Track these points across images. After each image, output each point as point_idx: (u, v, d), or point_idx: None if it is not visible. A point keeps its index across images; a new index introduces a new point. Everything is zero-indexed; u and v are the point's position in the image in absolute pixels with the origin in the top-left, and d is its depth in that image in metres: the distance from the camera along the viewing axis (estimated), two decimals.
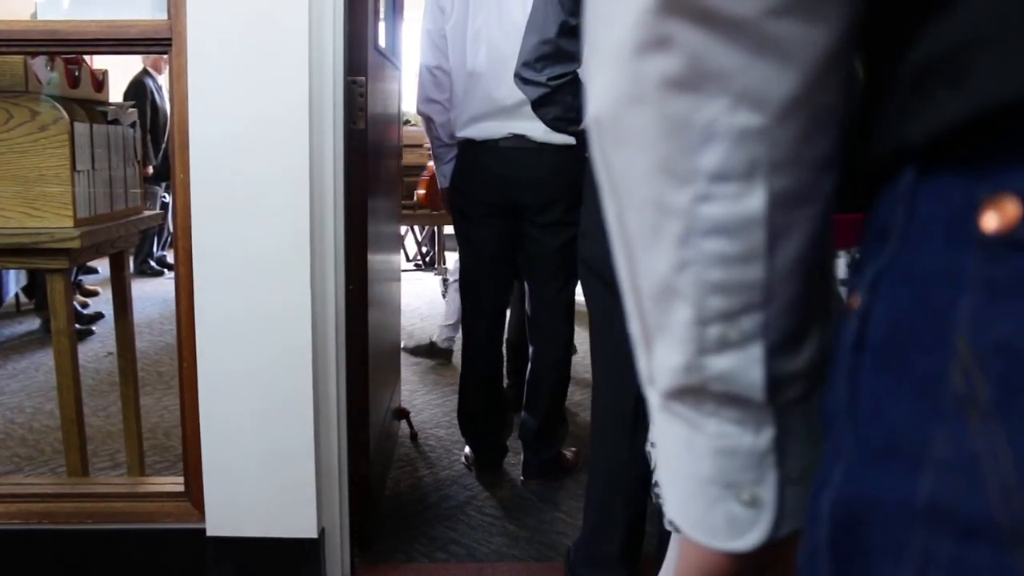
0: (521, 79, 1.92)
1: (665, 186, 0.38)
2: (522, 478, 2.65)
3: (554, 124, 1.96)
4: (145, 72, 6.00)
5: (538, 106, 1.93)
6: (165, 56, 1.83)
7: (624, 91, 0.38)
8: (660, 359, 0.43)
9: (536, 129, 2.32)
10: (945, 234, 0.34)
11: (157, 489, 2.01)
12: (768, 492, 0.43)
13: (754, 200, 0.38)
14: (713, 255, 0.39)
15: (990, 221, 0.32)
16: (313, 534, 1.89)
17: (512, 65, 2.34)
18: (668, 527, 1.18)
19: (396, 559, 2.15)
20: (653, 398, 0.45)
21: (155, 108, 5.93)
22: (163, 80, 5.98)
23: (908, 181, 0.36)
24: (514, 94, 2.33)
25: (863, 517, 0.36)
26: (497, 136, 2.42)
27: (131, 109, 2.44)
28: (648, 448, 1.17)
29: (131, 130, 2.33)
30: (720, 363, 0.41)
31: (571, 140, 2.29)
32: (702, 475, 0.43)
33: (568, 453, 2.75)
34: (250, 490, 1.87)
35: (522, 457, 2.67)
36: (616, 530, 1.84)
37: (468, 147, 2.52)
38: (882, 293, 0.37)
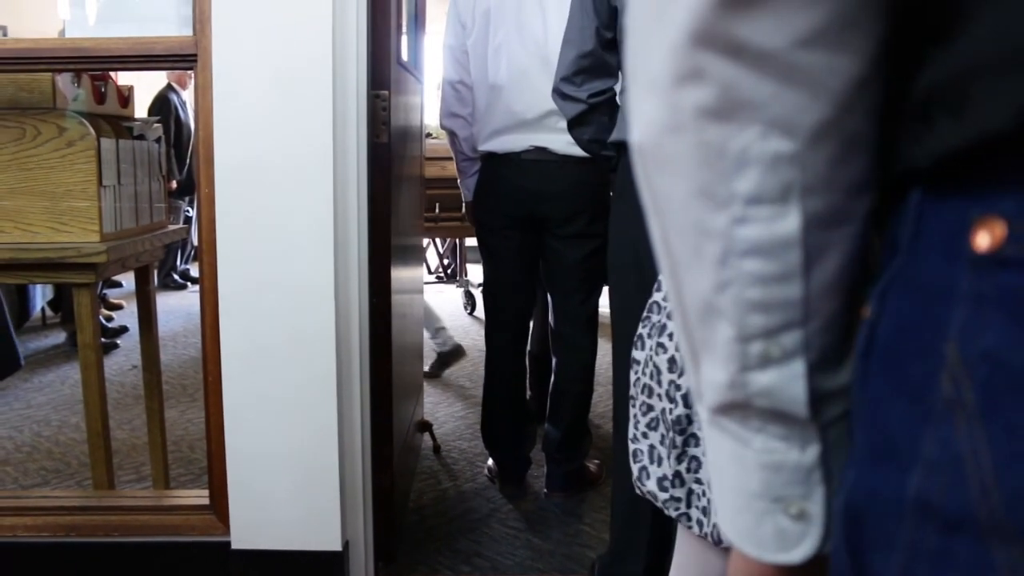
0: (560, 94, 1.90)
1: (704, 209, 0.40)
2: (545, 490, 2.64)
3: (588, 147, 1.94)
4: (169, 87, 6.06)
5: (574, 125, 1.90)
6: (190, 71, 1.85)
7: (664, 121, 0.40)
8: (707, 375, 0.45)
9: (558, 142, 2.35)
10: (943, 250, 0.36)
11: (182, 502, 2.02)
12: (816, 507, 0.44)
13: (789, 222, 0.40)
14: (752, 275, 0.41)
15: (980, 240, 0.34)
16: (337, 547, 1.90)
17: (532, 78, 2.35)
18: (636, 490, 1.17)
19: (420, 572, 2.14)
20: (702, 413, 0.47)
21: (179, 123, 5.99)
22: (187, 95, 6.04)
23: (915, 200, 0.39)
24: (535, 107, 2.35)
25: (864, 512, 0.39)
26: (519, 149, 2.42)
27: (156, 124, 2.46)
28: (632, 433, 1.16)
29: (156, 145, 2.36)
30: (763, 379, 0.43)
31: None
32: (750, 489, 0.45)
33: (592, 465, 2.75)
34: (275, 503, 1.88)
35: (545, 469, 2.67)
36: (641, 546, 1.83)
37: (490, 160, 2.53)
38: (888, 304, 0.39)
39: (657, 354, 1.10)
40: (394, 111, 2.04)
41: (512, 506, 2.56)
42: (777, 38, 0.36)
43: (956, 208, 0.36)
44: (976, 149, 0.34)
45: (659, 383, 1.10)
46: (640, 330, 1.15)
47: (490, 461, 2.77)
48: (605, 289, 2.38)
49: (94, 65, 1.96)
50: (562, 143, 2.32)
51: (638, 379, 1.14)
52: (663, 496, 1.11)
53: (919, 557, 0.35)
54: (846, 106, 0.38)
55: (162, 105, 5.91)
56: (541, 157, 2.40)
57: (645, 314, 1.16)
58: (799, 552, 0.44)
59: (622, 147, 1.76)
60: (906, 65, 0.38)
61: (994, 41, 0.33)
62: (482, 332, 2.79)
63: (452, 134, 2.62)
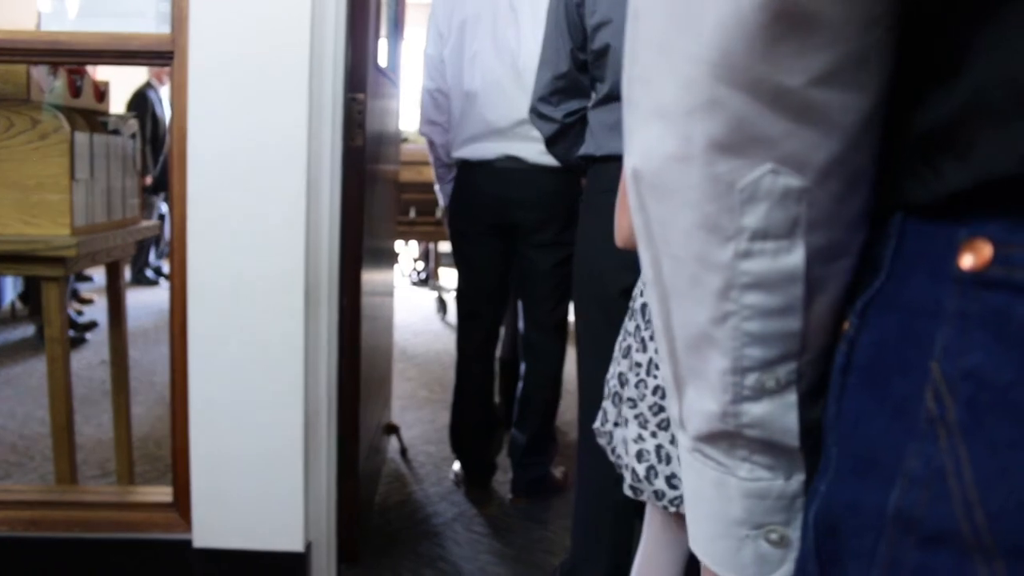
0: (537, 114, 1.93)
1: (707, 242, 0.40)
2: (511, 495, 2.66)
3: (565, 160, 1.98)
4: (148, 84, 6.04)
5: (551, 144, 1.95)
6: (168, 68, 1.85)
7: (672, 149, 0.40)
8: (692, 404, 0.45)
9: (529, 151, 2.38)
10: (927, 270, 0.37)
11: (145, 499, 2.01)
12: (797, 532, 0.45)
13: (794, 256, 0.40)
14: (753, 308, 0.41)
15: (967, 260, 0.34)
16: (300, 548, 1.90)
17: (505, 88, 2.40)
18: (628, 492, 1.21)
19: (382, 574, 2.15)
20: (683, 440, 0.47)
21: (156, 119, 5.96)
22: (165, 91, 6.01)
23: (897, 221, 0.39)
24: (507, 116, 2.39)
25: (841, 524, 0.39)
26: (491, 157, 2.45)
27: (131, 120, 2.46)
28: (637, 433, 1.19)
29: (131, 141, 2.35)
30: (756, 410, 0.43)
31: None
32: (732, 516, 0.45)
33: (557, 472, 2.76)
34: (238, 502, 1.88)
35: (511, 475, 2.68)
36: (602, 554, 1.85)
37: (464, 168, 2.55)
38: (869, 320, 0.39)
39: None
40: (370, 115, 2.05)
41: (477, 511, 2.56)
42: (795, 76, 0.36)
43: (943, 230, 0.36)
44: (978, 189, 0.35)
45: None
46: (642, 332, 1.19)
47: (456, 465, 2.78)
48: None
49: (70, 59, 1.96)
50: (534, 152, 2.36)
51: (642, 380, 1.18)
52: (672, 494, 1.15)
53: (899, 570, 0.36)
54: (854, 143, 0.38)
55: (139, 101, 5.88)
56: (513, 166, 2.43)
57: (641, 317, 1.20)
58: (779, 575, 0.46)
59: (589, 160, 1.79)
60: (905, 103, 0.39)
61: (995, 84, 0.33)
62: (454, 336, 2.81)
63: (430, 141, 2.64)
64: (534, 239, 2.50)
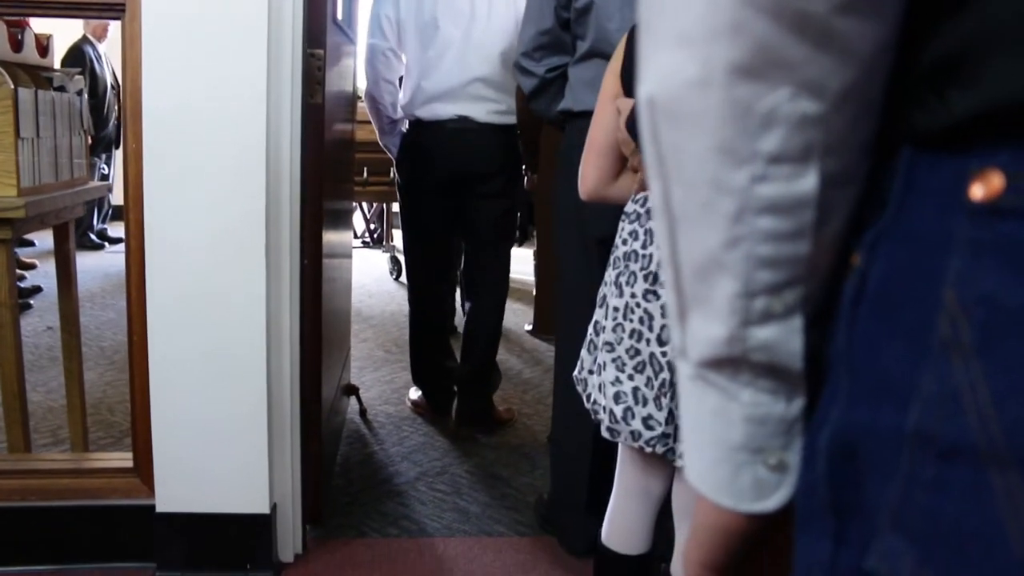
0: (520, 69, 2.03)
1: (722, 166, 0.40)
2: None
3: (545, 115, 2.07)
4: (85, 39, 5.83)
5: (532, 98, 2.05)
6: (106, 23, 1.78)
7: (691, 74, 0.40)
8: (697, 331, 0.45)
9: (479, 110, 2.63)
10: (937, 202, 0.37)
11: (105, 465, 1.98)
12: (795, 456, 0.46)
13: (808, 181, 0.40)
14: (765, 231, 0.41)
15: (978, 191, 0.35)
16: (265, 510, 1.88)
17: (457, 50, 2.59)
18: (605, 434, 1.26)
19: (347, 534, 2.15)
20: (685, 368, 0.47)
21: (95, 76, 5.76)
22: (103, 48, 5.82)
23: (906, 155, 0.40)
24: (460, 76, 2.60)
25: (857, 447, 0.40)
26: (444, 117, 2.63)
27: (77, 76, 2.37)
28: (614, 376, 1.22)
29: (78, 98, 2.27)
30: (763, 334, 0.44)
31: (508, 120, 2.63)
32: (733, 441, 0.46)
33: (502, 409, 2.99)
34: (201, 466, 1.85)
35: (456, 405, 2.91)
36: (582, 482, 1.95)
37: (416, 127, 2.71)
38: (879, 253, 0.40)
39: (648, 301, 1.18)
40: (329, 72, 2.01)
41: (439, 470, 2.57)
42: (819, 3, 0.36)
43: (950, 162, 0.37)
44: (988, 117, 0.35)
45: (650, 328, 1.18)
46: (619, 278, 1.22)
47: (414, 392, 3.01)
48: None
49: (15, 10, 1.88)
50: (482, 112, 2.61)
51: (619, 324, 1.22)
52: (648, 435, 1.18)
53: (918, 484, 0.37)
54: (868, 71, 0.39)
55: (76, 57, 5.67)
56: (464, 125, 2.63)
57: (622, 263, 1.22)
58: (775, 500, 0.46)
59: (568, 115, 1.87)
60: (915, 33, 0.39)
61: (1005, 12, 0.34)
62: (408, 297, 2.92)
63: (376, 99, 2.76)
64: (481, 190, 2.70)
